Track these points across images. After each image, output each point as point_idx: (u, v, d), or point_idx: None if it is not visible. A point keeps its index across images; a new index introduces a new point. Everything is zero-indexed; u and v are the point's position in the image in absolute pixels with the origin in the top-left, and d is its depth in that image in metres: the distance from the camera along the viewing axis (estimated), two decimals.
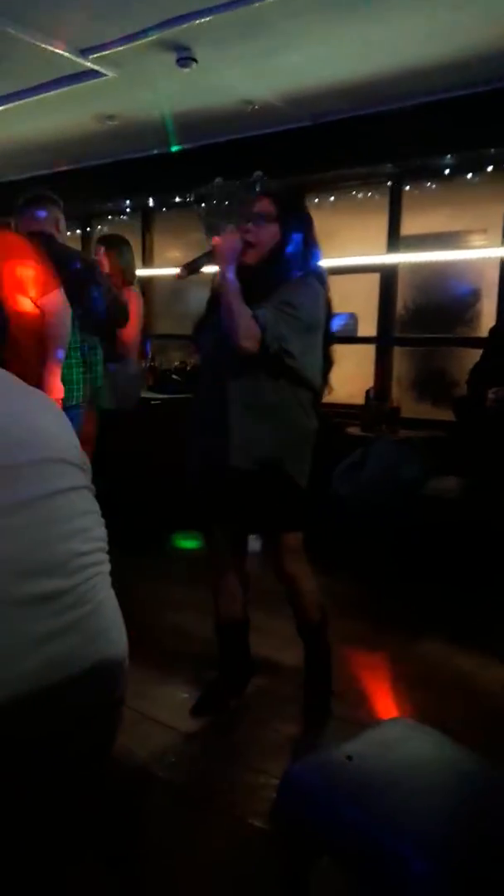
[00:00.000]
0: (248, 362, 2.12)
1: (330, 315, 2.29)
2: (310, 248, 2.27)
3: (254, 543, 3.81)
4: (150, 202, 5.70)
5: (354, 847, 1.29)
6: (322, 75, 3.98)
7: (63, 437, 1.24)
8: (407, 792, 1.36)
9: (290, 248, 2.22)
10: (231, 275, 2.15)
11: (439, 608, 3.19)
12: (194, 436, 2.33)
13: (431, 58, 3.72)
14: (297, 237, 2.23)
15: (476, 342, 4.12)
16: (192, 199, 5.02)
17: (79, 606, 1.14)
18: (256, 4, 3.05)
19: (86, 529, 1.19)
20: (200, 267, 2.31)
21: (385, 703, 2.37)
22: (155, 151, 5.40)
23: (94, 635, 1.17)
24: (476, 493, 3.35)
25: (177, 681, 2.54)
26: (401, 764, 1.43)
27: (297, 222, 2.24)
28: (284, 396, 2.19)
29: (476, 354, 3.70)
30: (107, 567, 1.26)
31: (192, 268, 2.31)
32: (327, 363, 2.30)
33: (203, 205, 5.28)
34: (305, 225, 2.27)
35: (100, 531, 1.25)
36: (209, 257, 2.26)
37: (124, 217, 5.93)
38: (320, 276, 2.27)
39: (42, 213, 2.96)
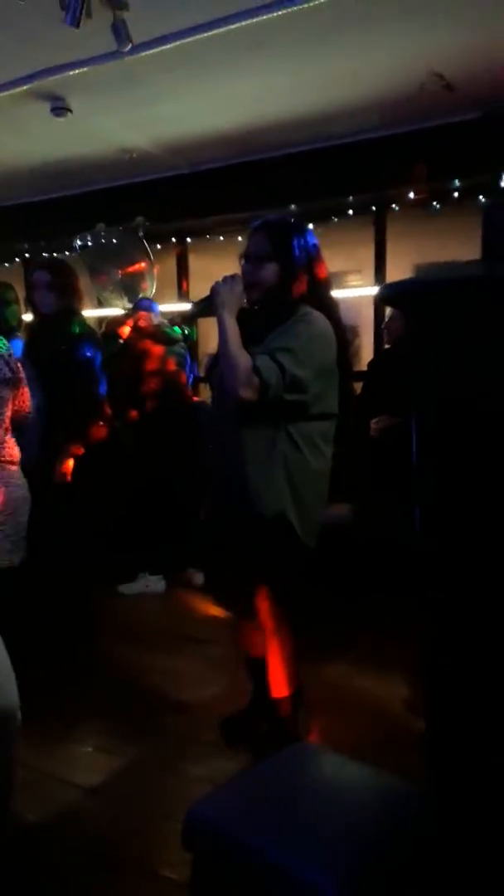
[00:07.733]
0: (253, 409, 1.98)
1: (345, 348, 2.12)
2: (316, 281, 2.08)
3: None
4: (31, 249, 5.64)
5: (262, 878, 1.28)
6: (196, 125, 4.13)
7: None
8: (312, 816, 1.36)
9: (292, 285, 2.04)
10: (230, 321, 2.00)
11: (338, 631, 3.24)
12: (211, 481, 2.24)
13: (297, 111, 3.96)
14: (299, 272, 2.05)
15: (357, 376, 4.32)
16: (75, 244, 5.03)
17: None
18: (128, 59, 3.15)
19: None
20: (199, 317, 2.14)
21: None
22: (35, 198, 5.38)
23: None
24: (366, 518, 3.48)
25: (78, 735, 2.44)
26: (303, 788, 1.44)
27: (297, 257, 2.05)
28: (294, 439, 2.04)
29: (358, 388, 3.88)
30: None
31: (189, 317, 2.11)
32: (347, 397, 2.13)
33: (87, 247, 5.26)
34: (309, 257, 2.07)
35: None
36: (208, 305, 2.07)
37: (7, 264, 5.83)
38: (329, 309, 2.09)
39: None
